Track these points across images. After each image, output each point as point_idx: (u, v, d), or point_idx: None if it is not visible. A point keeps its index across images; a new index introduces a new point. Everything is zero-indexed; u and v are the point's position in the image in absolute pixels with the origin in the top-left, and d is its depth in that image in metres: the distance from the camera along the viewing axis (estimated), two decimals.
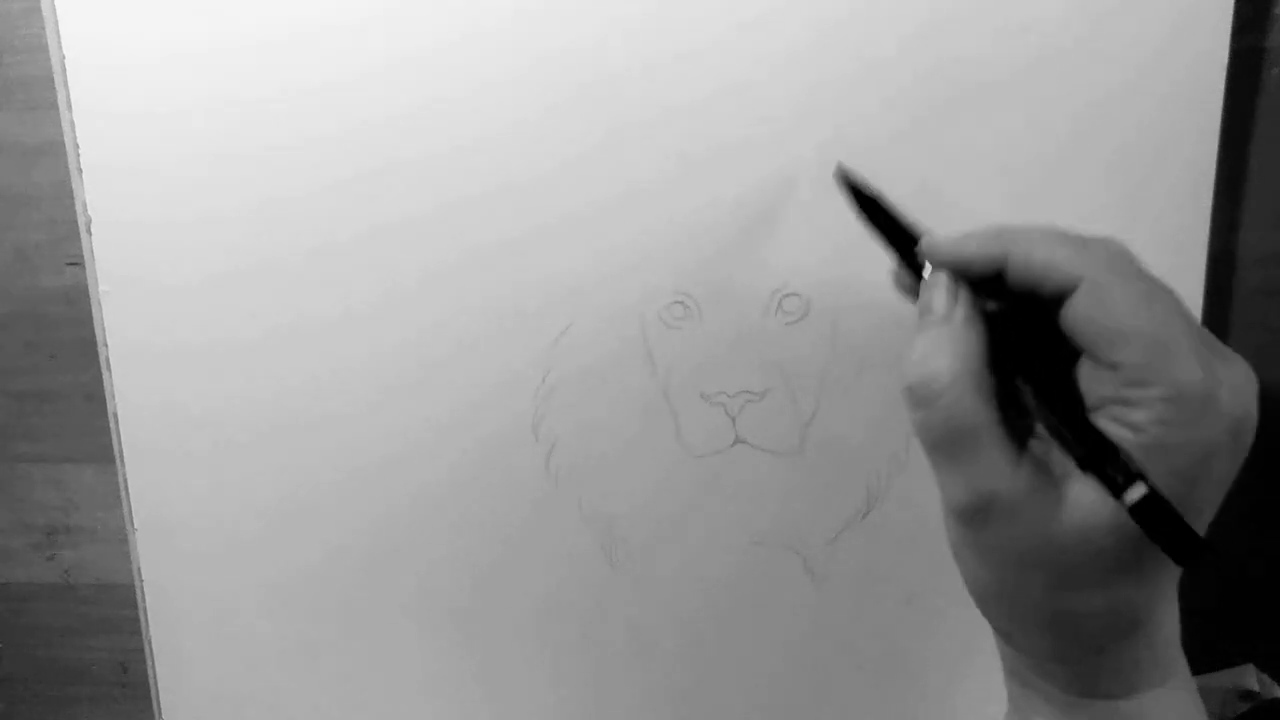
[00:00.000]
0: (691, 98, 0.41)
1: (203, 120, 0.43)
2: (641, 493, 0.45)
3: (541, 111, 0.42)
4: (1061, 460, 0.29)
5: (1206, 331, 0.29)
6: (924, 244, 0.32)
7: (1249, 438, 0.28)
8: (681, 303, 0.43)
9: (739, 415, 0.44)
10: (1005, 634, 0.32)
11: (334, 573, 0.48)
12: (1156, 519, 0.26)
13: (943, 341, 0.30)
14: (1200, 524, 0.28)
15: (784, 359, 0.43)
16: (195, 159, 0.43)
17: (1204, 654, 0.46)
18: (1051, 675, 0.31)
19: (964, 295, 0.30)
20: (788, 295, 0.43)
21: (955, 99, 0.40)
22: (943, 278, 0.31)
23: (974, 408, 0.29)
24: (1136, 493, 0.26)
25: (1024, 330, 0.31)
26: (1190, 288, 0.41)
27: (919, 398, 0.29)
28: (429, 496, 0.46)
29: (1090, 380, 0.29)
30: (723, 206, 0.42)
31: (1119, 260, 0.29)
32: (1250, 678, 0.46)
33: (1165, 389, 0.27)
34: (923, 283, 0.32)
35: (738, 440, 0.44)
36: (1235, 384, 0.27)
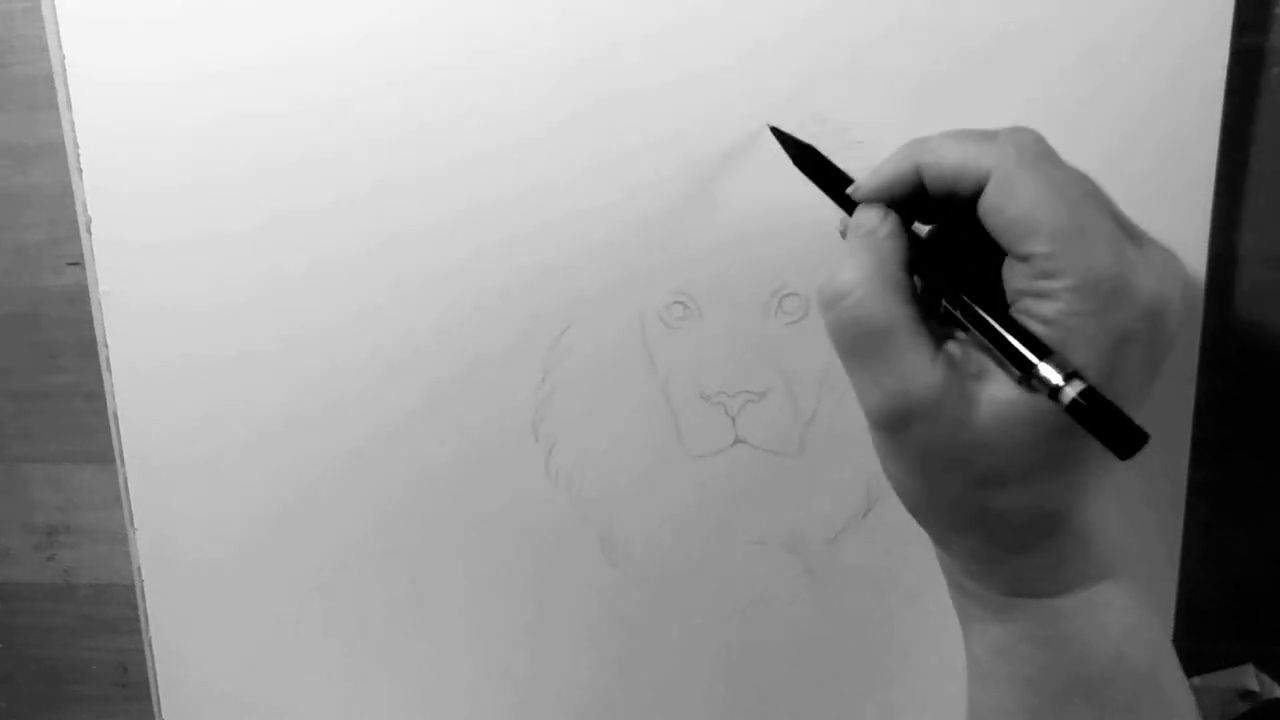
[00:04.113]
0: (692, 98, 0.41)
1: (202, 120, 0.43)
2: (641, 493, 0.45)
3: (541, 113, 0.42)
4: (979, 358, 0.28)
5: (1125, 216, 0.28)
6: (853, 187, 0.33)
7: (1171, 323, 0.27)
8: (681, 303, 0.43)
9: (739, 415, 0.44)
10: (938, 540, 0.32)
11: (333, 573, 0.48)
12: (1093, 414, 0.26)
13: (858, 249, 0.30)
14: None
15: (784, 359, 0.43)
16: (195, 159, 0.43)
17: (1204, 654, 0.46)
18: (983, 577, 0.31)
19: (892, 216, 0.31)
20: (788, 295, 0.43)
21: (954, 99, 0.40)
22: (875, 205, 0.31)
23: (884, 307, 0.28)
24: (1073, 390, 0.26)
25: (955, 243, 0.31)
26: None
27: (827, 298, 0.29)
28: (429, 497, 0.46)
29: (1008, 277, 0.28)
30: (723, 206, 0.42)
31: (1028, 150, 0.28)
32: (1250, 678, 0.46)
33: (1074, 279, 0.26)
34: (857, 209, 0.32)
35: (738, 440, 0.44)
36: (1152, 268, 0.27)
